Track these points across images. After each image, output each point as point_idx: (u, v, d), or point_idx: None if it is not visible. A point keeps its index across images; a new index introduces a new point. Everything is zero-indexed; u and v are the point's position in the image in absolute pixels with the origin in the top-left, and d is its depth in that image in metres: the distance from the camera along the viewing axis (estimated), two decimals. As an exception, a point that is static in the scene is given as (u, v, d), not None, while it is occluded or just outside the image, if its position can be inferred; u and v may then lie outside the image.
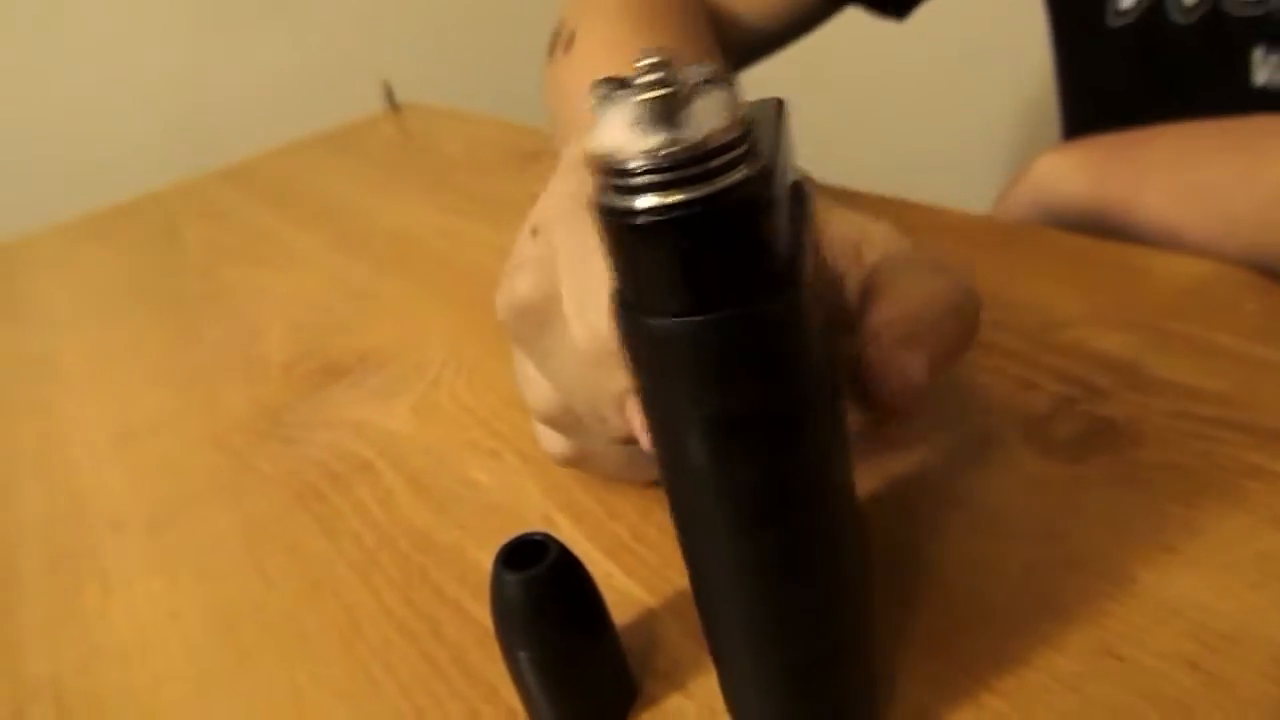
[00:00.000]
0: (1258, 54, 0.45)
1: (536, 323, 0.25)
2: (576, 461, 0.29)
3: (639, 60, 0.15)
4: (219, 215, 0.77)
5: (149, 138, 1.41)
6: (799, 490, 0.17)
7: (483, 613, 0.27)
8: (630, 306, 0.16)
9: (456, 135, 0.85)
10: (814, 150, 0.35)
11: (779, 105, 0.18)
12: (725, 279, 0.15)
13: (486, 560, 0.29)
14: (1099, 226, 0.40)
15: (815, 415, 0.17)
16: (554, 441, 0.29)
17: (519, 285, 0.26)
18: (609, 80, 0.15)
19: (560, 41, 0.54)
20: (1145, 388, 0.30)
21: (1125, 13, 0.50)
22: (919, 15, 0.60)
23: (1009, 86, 1.27)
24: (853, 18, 0.60)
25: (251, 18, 1.46)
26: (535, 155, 0.70)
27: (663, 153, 0.15)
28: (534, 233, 0.26)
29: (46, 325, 0.61)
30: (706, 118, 0.15)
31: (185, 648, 0.29)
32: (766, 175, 0.15)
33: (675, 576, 0.27)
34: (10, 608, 0.34)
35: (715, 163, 0.15)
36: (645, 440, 0.21)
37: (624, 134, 0.15)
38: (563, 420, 0.27)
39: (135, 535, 0.36)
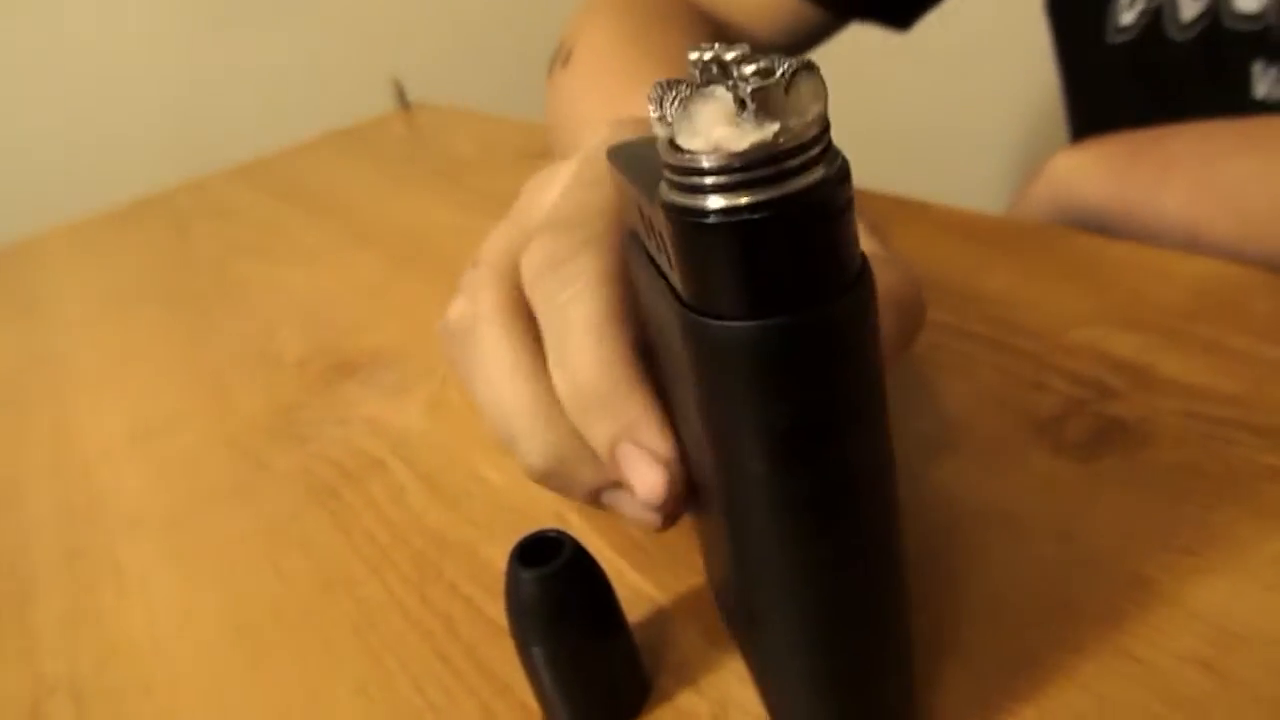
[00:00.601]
0: (1257, 68, 0.45)
1: (461, 343, 0.27)
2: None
3: (710, 55, 0.14)
4: (231, 213, 0.77)
5: (161, 136, 1.41)
6: (862, 492, 0.17)
7: (496, 609, 0.28)
8: (698, 311, 0.16)
9: (467, 134, 0.86)
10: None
11: None
12: (805, 280, 0.15)
13: (499, 557, 0.30)
14: (1116, 225, 0.40)
15: (880, 415, 0.17)
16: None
17: (450, 311, 0.28)
18: (676, 81, 0.15)
19: (559, 58, 0.55)
20: (1157, 388, 0.30)
21: (1125, 29, 0.50)
22: (935, 18, 0.60)
23: (1022, 86, 1.26)
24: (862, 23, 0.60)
25: (263, 17, 1.46)
26: (545, 154, 0.70)
27: (778, 143, 0.14)
28: (476, 265, 0.28)
29: (60, 324, 0.62)
30: (809, 104, 0.14)
31: (201, 645, 0.30)
32: (845, 174, 0.15)
33: (686, 574, 0.27)
34: (26, 606, 0.34)
35: (811, 153, 0.14)
36: (644, 489, 0.22)
37: (725, 128, 0.14)
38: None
39: (150, 532, 0.36)
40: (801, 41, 0.59)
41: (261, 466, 0.39)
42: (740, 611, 0.20)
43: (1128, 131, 0.42)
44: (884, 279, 0.24)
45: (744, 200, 0.14)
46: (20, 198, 1.24)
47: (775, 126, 0.14)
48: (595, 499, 0.25)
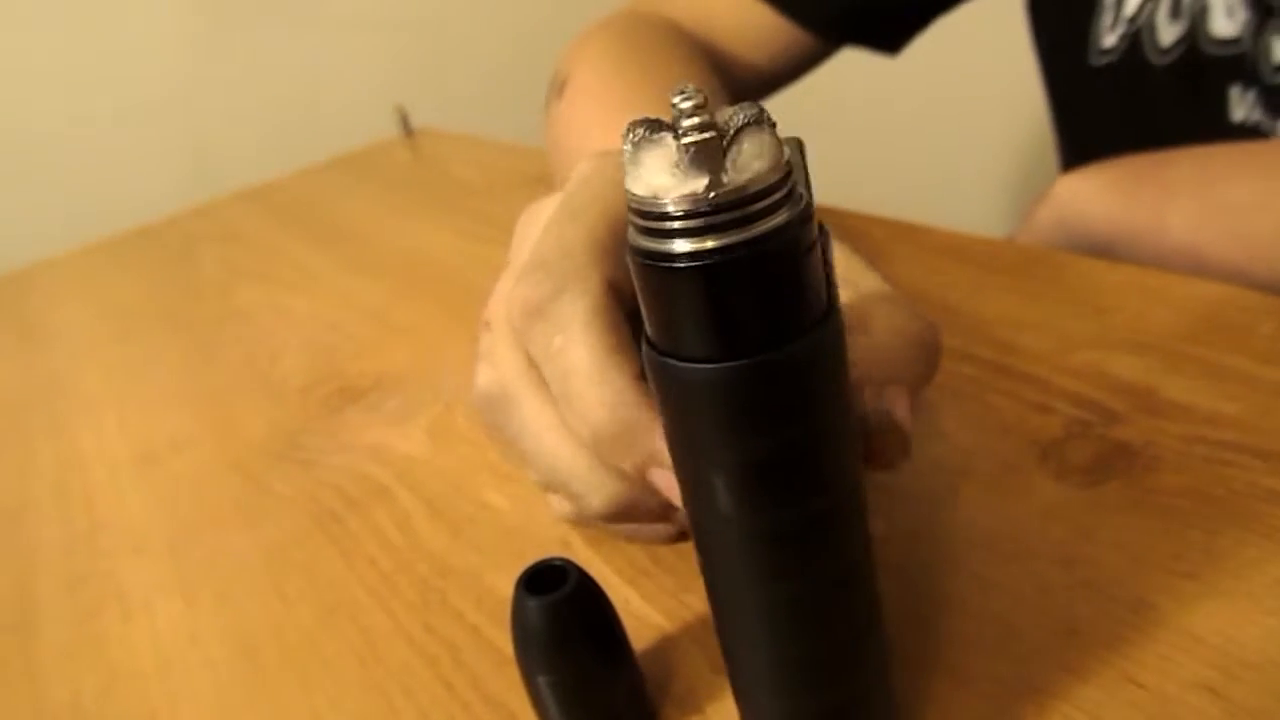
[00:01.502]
0: (1234, 91, 0.46)
1: (499, 410, 0.26)
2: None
3: (676, 99, 0.15)
4: (236, 238, 0.78)
5: (166, 161, 1.42)
6: (832, 531, 0.17)
7: (501, 637, 0.28)
8: (663, 353, 0.16)
9: (470, 160, 0.86)
10: (825, 175, 0.35)
11: (799, 144, 0.19)
12: (764, 322, 0.15)
13: (504, 584, 0.30)
14: (1120, 249, 0.41)
15: (847, 452, 0.17)
16: (563, 505, 0.29)
17: (478, 380, 0.27)
18: (647, 121, 0.15)
19: (555, 87, 0.55)
20: (1160, 411, 0.30)
21: (1107, 52, 0.51)
22: (931, 44, 0.61)
23: (1023, 109, 1.27)
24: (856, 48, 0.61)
25: (268, 44, 1.48)
26: (546, 179, 0.71)
27: (707, 197, 0.14)
28: (487, 325, 0.28)
29: (65, 348, 0.62)
30: (750, 161, 0.15)
31: (205, 671, 0.30)
32: (807, 218, 0.15)
33: (692, 601, 0.27)
34: (30, 631, 0.34)
35: (758, 206, 0.15)
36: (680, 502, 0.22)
37: (664, 177, 0.15)
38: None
39: (154, 558, 0.36)
40: (794, 67, 0.60)
41: (265, 492, 0.39)
42: (720, 644, 0.20)
43: (1130, 156, 0.43)
44: (901, 321, 0.24)
45: (709, 244, 0.15)
46: (26, 223, 1.25)
47: (705, 180, 0.14)
48: (666, 517, 0.25)
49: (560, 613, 0.21)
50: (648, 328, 0.16)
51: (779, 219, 0.15)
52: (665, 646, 0.26)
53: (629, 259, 0.16)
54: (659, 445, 0.22)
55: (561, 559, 0.22)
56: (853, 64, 0.63)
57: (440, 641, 0.28)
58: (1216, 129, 0.47)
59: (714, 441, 0.16)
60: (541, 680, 0.22)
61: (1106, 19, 0.50)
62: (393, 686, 0.27)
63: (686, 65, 0.52)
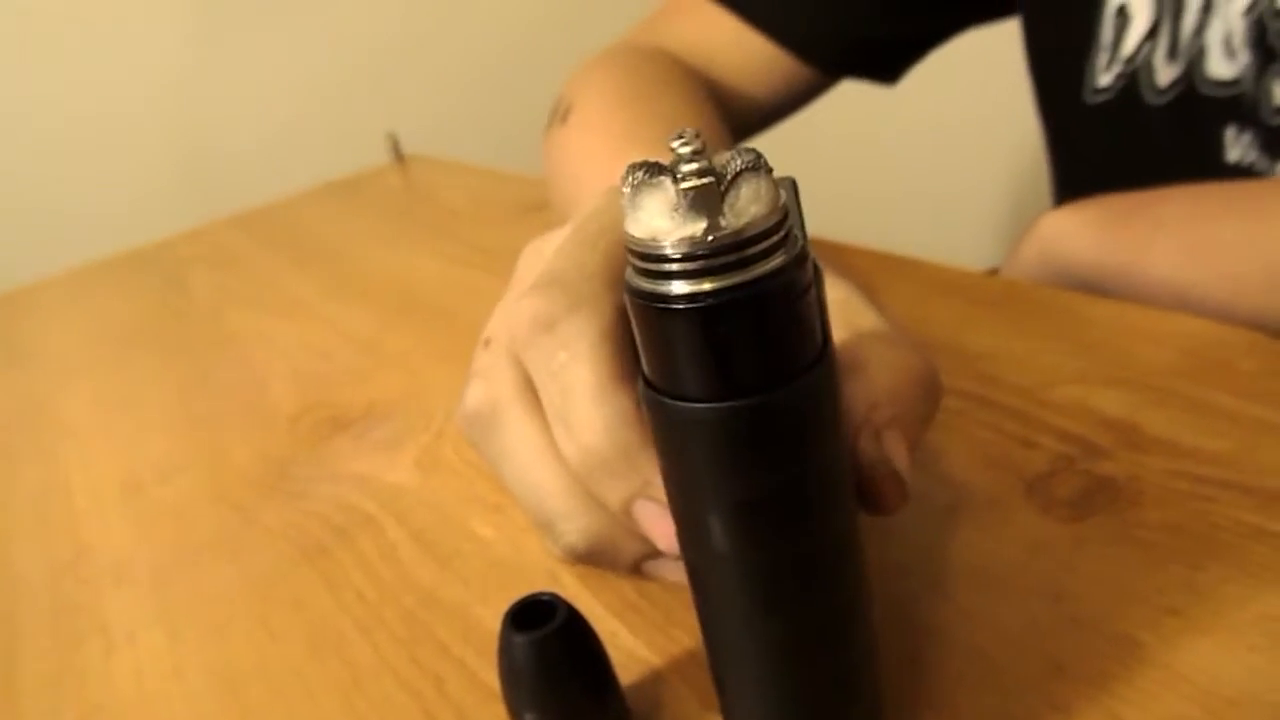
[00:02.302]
0: (1229, 133, 0.47)
1: (485, 428, 0.26)
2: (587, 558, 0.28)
3: (675, 144, 0.15)
4: (226, 263, 0.78)
5: (157, 185, 1.43)
6: (829, 565, 0.17)
7: (487, 671, 0.27)
8: (660, 392, 0.16)
9: (460, 187, 0.87)
10: (814, 205, 0.36)
11: (793, 184, 0.19)
12: (761, 362, 0.15)
13: (491, 617, 0.30)
14: (1105, 285, 0.41)
15: (843, 489, 0.17)
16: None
17: (467, 397, 0.27)
18: (646, 165, 0.15)
19: (558, 113, 0.56)
20: (1144, 447, 0.31)
21: (1102, 90, 0.52)
22: (925, 77, 0.62)
23: (1012, 143, 1.29)
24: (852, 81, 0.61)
25: (260, 69, 1.49)
26: (538, 207, 0.71)
27: (705, 240, 0.15)
28: (486, 344, 0.28)
29: (52, 372, 0.62)
30: (747, 205, 0.15)
31: (188, 705, 0.29)
32: (802, 260, 0.15)
33: (680, 635, 0.27)
34: (10, 663, 0.33)
35: (755, 250, 0.15)
36: (665, 543, 0.22)
37: (663, 220, 0.15)
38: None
39: (138, 589, 0.36)
40: (793, 99, 0.60)
41: (251, 522, 0.38)
42: (713, 679, 0.20)
43: (1117, 194, 0.43)
44: (899, 359, 0.24)
45: (707, 286, 0.15)
46: (14, 246, 1.25)
47: (703, 224, 0.15)
48: (637, 570, 0.25)
49: (548, 649, 0.21)
50: (645, 367, 0.17)
51: (775, 262, 0.15)
52: (653, 681, 0.26)
53: (626, 299, 0.16)
54: (653, 474, 0.22)
55: (549, 594, 0.22)
56: (844, 93, 0.64)
57: (426, 675, 0.28)
58: (1211, 170, 0.47)
59: (709, 480, 0.16)
60: (528, 717, 0.21)
61: (1102, 58, 0.51)
62: (378, 721, 0.27)
63: (688, 100, 0.53)
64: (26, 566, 0.39)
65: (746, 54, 0.58)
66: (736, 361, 0.15)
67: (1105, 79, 0.51)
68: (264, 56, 1.48)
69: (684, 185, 0.15)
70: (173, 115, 1.44)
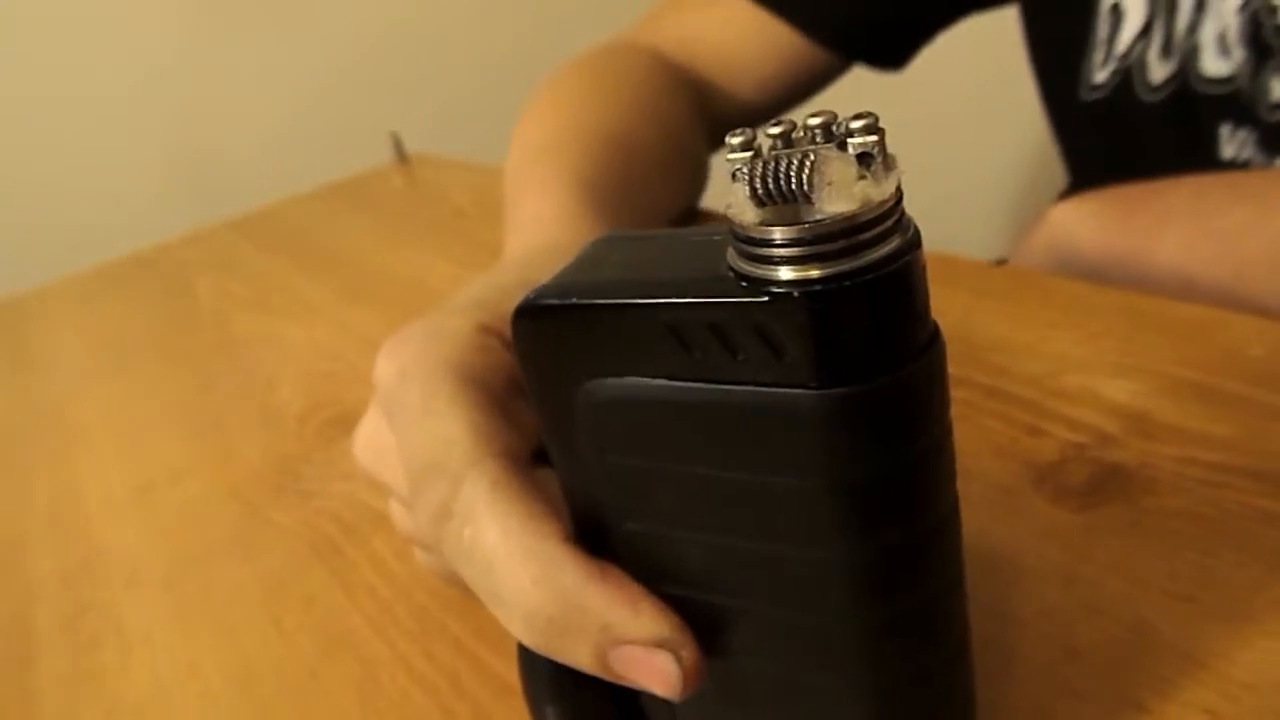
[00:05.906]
0: (1224, 130, 0.47)
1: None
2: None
3: (776, 129, 0.14)
4: (231, 266, 0.78)
5: (161, 189, 1.43)
6: (932, 554, 0.17)
7: (502, 665, 0.28)
8: (771, 384, 0.15)
9: (464, 186, 0.87)
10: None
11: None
12: (877, 347, 0.15)
13: (505, 613, 0.30)
14: (1113, 275, 0.41)
15: (948, 475, 0.17)
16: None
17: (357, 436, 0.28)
18: (780, 156, 0.14)
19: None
20: (1153, 434, 0.31)
21: (1098, 87, 0.51)
22: (934, 64, 0.62)
23: (1018, 134, 1.28)
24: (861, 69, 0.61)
25: (262, 72, 1.49)
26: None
27: (828, 222, 0.14)
28: (402, 376, 0.25)
29: (60, 377, 0.62)
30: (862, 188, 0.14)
31: (204, 703, 0.30)
32: (917, 242, 0.15)
33: (693, 628, 0.27)
34: (27, 665, 0.34)
35: (872, 233, 0.14)
36: (667, 688, 0.19)
37: (859, 185, 0.14)
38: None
39: (152, 589, 0.36)
40: (799, 86, 0.60)
41: (263, 521, 0.39)
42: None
43: (1125, 184, 0.43)
44: None
45: (805, 274, 0.14)
46: (20, 251, 1.25)
47: (898, 176, 0.14)
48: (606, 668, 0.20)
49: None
50: (806, 366, 0.15)
51: (891, 245, 0.15)
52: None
53: (739, 288, 0.15)
54: (610, 613, 0.19)
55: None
56: (850, 83, 0.64)
57: (440, 670, 0.28)
58: (1205, 167, 0.47)
59: (818, 467, 0.16)
60: (550, 711, 0.21)
61: (1098, 55, 0.51)
62: (393, 716, 0.27)
63: (656, 97, 0.52)
64: (41, 572, 0.39)
65: (751, 36, 0.57)
66: (856, 346, 0.15)
67: (1101, 76, 0.51)
68: (266, 58, 1.48)
69: (871, 141, 0.14)
70: (174, 116, 1.44)
